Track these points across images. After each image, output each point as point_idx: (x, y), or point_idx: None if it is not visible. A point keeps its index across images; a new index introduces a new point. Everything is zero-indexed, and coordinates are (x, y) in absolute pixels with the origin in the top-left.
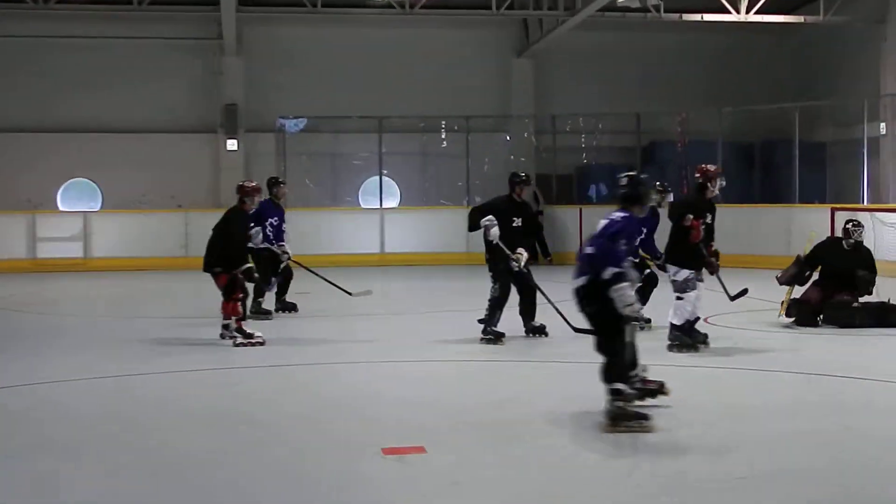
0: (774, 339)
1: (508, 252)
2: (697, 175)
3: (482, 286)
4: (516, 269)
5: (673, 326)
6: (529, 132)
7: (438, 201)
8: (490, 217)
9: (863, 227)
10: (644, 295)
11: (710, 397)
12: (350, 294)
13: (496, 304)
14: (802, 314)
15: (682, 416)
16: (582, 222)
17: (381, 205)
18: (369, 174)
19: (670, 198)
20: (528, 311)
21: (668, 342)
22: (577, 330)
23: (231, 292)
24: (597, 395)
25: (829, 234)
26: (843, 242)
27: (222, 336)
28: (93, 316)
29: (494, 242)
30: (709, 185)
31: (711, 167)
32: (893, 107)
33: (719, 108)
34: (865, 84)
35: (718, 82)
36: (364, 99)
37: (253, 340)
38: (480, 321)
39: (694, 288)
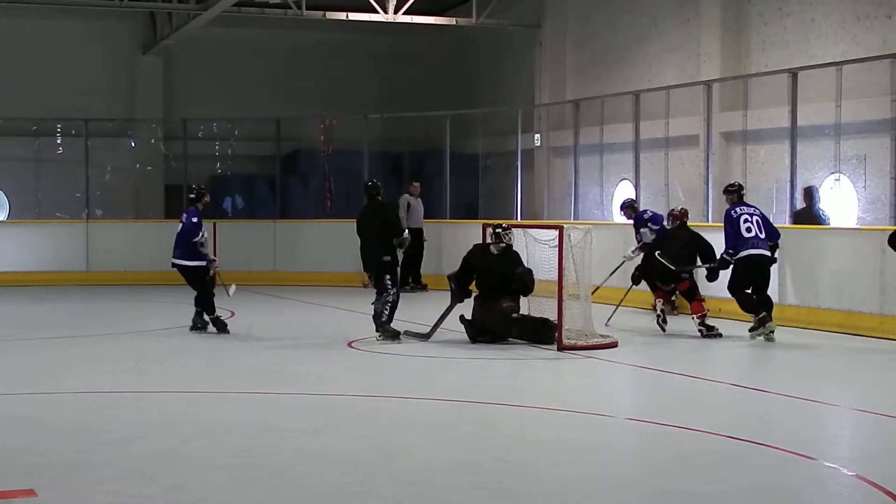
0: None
1: None
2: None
3: (105, 308)
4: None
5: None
6: (157, 138)
7: (54, 214)
8: None
9: (512, 230)
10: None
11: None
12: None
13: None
14: (472, 333)
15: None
16: (216, 238)
17: None
18: None
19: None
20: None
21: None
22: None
23: (695, 293)
24: (226, 429)
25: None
26: (492, 247)
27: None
28: None
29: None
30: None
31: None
32: (548, 117)
33: (366, 114)
34: (522, 92)
35: (370, 87)
36: None
37: (714, 332)
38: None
39: None
